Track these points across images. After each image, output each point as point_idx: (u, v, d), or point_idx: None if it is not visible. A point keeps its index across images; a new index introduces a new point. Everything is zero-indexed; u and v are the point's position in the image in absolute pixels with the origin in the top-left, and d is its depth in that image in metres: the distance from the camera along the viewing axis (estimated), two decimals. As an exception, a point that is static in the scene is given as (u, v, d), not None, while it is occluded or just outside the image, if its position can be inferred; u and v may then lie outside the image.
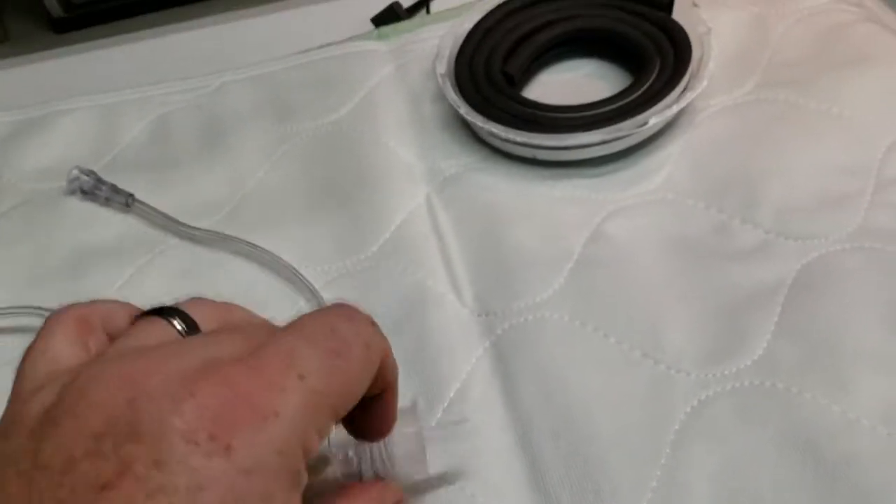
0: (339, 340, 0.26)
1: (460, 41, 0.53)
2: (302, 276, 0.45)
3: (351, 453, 0.33)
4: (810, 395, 0.37)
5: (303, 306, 0.44)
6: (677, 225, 0.45)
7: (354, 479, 0.33)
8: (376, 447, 0.33)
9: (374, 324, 0.28)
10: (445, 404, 0.39)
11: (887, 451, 0.35)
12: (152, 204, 0.50)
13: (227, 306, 0.29)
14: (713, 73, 0.49)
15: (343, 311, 0.27)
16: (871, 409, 0.36)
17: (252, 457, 0.22)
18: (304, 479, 0.24)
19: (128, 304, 0.29)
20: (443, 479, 0.36)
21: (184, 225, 0.48)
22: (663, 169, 0.48)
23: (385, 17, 0.61)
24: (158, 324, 0.27)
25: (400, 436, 0.33)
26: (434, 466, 0.34)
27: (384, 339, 0.28)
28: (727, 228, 0.45)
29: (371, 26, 0.61)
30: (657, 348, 0.40)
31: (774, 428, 0.36)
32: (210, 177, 0.52)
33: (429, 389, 0.40)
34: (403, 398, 0.35)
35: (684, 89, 0.48)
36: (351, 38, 0.59)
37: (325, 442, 0.30)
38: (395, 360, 0.29)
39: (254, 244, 0.47)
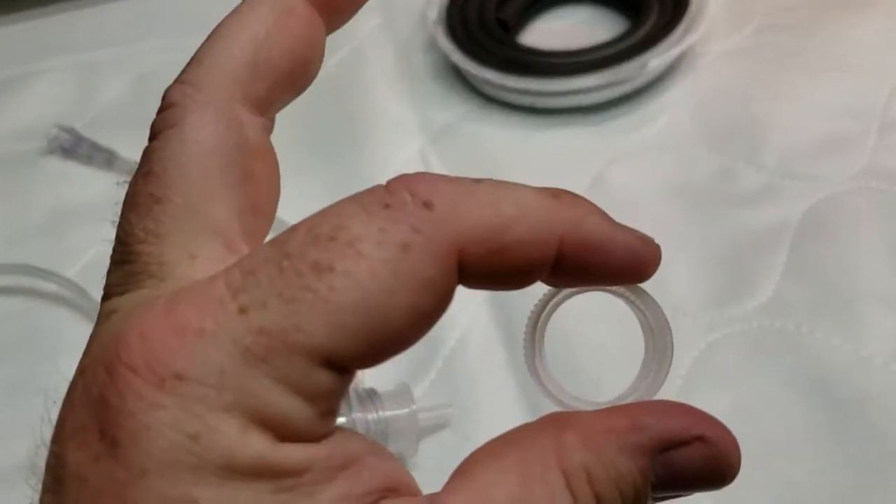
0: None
1: (452, -12, 0.51)
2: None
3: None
4: (821, 334, 0.36)
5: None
6: (680, 170, 0.44)
7: None
8: (372, 423, 0.32)
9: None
10: (447, 352, 0.38)
11: (902, 387, 0.34)
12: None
13: None
14: (713, 16, 0.48)
15: None
16: (884, 347, 0.35)
17: None
18: None
19: None
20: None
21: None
22: (664, 114, 0.47)
23: (371, -30, 0.59)
24: None
25: (396, 414, 0.33)
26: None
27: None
28: (731, 172, 0.43)
29: (357, -21, 0.59)
30: (661, 293, 0.38)
31: (786, 369, 0.35)
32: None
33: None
34: (392, 383, 0.35)
35: (684, 32, 0.47)
36: (337, -8, 0.57)
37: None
38: None
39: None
